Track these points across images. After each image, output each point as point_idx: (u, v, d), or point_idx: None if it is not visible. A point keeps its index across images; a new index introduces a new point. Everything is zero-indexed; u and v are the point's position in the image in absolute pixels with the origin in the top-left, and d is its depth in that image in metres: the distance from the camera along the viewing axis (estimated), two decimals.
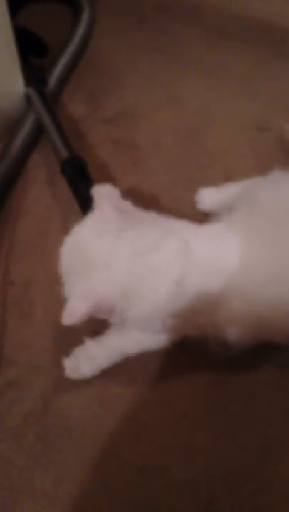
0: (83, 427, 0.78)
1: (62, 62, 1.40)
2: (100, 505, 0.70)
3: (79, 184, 1.03)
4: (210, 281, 0.71)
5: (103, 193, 0.77)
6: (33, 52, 1.43)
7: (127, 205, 0.79)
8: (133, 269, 0.70)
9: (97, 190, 0.78)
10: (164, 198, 1.11)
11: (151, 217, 0.79)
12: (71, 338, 0.87)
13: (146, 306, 0.71)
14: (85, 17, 1.60)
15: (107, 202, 0.75)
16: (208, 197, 1.05)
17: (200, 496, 0.71)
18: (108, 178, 1.16)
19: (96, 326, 0.84)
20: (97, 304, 0.68)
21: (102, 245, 0.72)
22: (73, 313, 0.67)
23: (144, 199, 1.11)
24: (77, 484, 0.72)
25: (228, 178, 1.14)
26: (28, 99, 1.26)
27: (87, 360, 0.82)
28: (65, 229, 1.03)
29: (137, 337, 0.82)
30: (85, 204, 0.99)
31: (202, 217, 1.05)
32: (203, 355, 0.82)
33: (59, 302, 0.92)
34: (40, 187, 1.15)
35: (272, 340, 0.76)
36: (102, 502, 0.71)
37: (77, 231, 0.76)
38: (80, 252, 0.73)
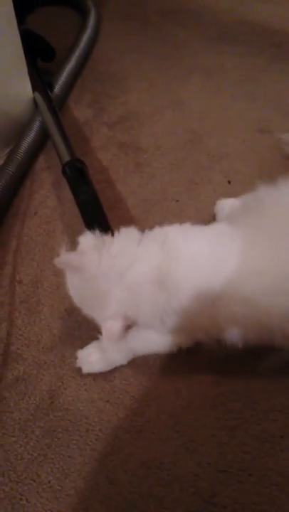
0: (88, 422, 0.77)
1: (68, 66, 1.39)
2: (104, 498, 0.69)
3: (78, 186, 1.02)
4: (206, 281, 0.69)
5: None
6: (40, 56, 1.42)
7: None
8: (128, 284, 0.71)
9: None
10: (167, 199, 1.10)
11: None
12: (77, 334, 0.86)
13: (146, 308, 0.71)
14: (91, 22, 1.58)
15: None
16: (226, 208, 1.00)
17: (202, 490, 0.69)
18: (112, 180, 1.15)
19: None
20: (125, 320, 0.71)
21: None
22: (112, 333, 0.71)
23: (147, 200, 1.10)
24: (82, 477, 0.71)
25: (228, 179, 1.13)
26: (35, 103, 1.25)
27: (99, 353, 0.81)
28: (71, 230, 1.04)
29: (147, 338, 0.80)
30: (83, 205, 0.99)
31: (205, 217, 1.03)
32: (205, 353, 0.81)
33: (65, 300, 0.92)
34: (47, 189, 1.14)
35: (272, 343, 0.74)
36: (107, 495, 0.70)
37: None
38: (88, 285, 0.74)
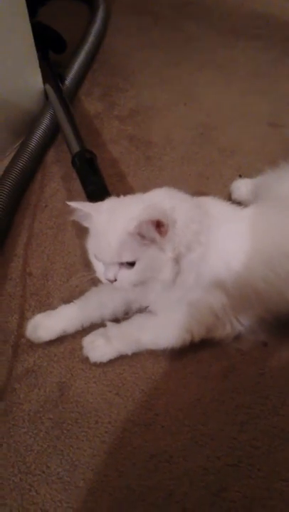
0: (98, 414, 0.77)
1: (79, 59, 1.38)
2: (113, 490, 0.69)
3: (87, 176, 1.02)
4: (230, 255, 0.74)
5: None
6: (52, 48, 1.41)
7: None
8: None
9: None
10: None
11: None
12: (88, 327, 0.86)
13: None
14: (100, 15, 1.57)
15: None
16: (242, 187, 1.03)
17: (211, 484, 0.69)
18: (123, 173, 1.14)
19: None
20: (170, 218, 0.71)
21: None
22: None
23: None
24: (91, 469, 0.71)
25: (239, 173, 1.12)
26: (46, 95, 1.24)
27: (103, 339, 0.81)
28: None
29: (154, 328, 0.80)
30: (92, 195, 0.98)
31: None
32: (215, 348, 0.80)
33: (75, 292, 0.92)
34: (58, 182, 1.13)
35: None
36: (115, 487, 0.69)
37: None
38: None
